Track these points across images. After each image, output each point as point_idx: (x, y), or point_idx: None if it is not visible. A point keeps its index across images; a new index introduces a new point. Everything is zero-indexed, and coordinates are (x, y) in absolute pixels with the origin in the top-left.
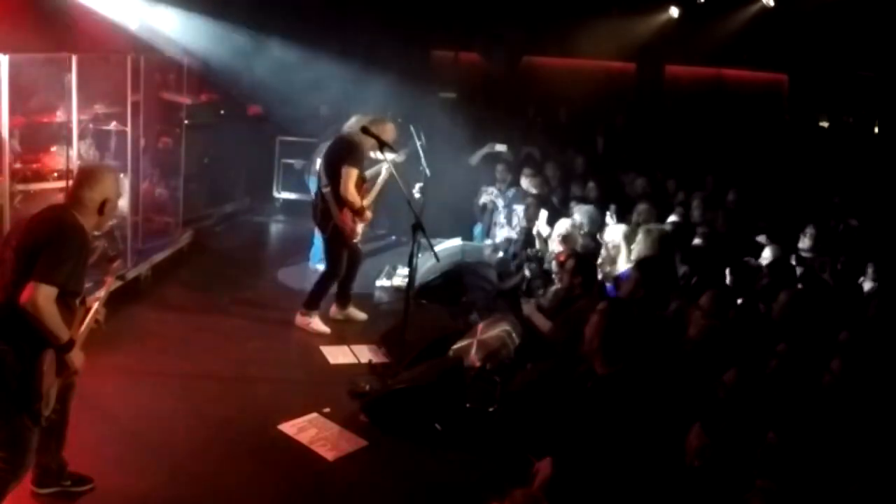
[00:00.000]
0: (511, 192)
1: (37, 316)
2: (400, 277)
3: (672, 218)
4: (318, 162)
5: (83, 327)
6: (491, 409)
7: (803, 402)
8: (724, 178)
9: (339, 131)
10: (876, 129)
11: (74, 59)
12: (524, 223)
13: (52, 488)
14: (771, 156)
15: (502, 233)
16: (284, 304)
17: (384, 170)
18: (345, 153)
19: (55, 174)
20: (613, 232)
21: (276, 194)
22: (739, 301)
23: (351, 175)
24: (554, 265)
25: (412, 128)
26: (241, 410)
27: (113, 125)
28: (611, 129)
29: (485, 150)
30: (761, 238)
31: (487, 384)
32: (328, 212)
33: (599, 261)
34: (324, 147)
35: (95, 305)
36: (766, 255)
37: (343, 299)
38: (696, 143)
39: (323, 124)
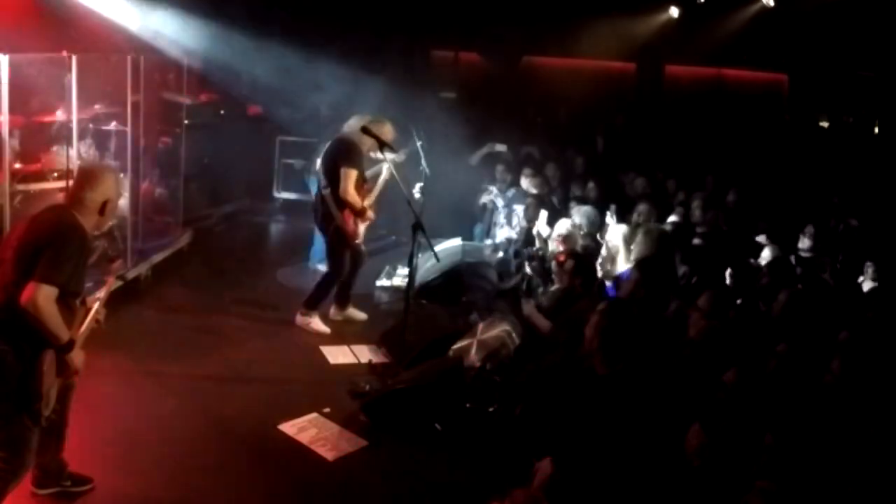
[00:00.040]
0: (511, 192)
1: (37, 316)
2: (400, 277)
3: (672, 218)
4: (318, 162)
5: (83, 327)
6: (491, 409)
7: (803, 402)
8: (724, 178)
9: (339, 132)
10: (876, 129)
11: (74, 59)
12: (524, 223)
13: (52, 488)
14: (771, 156)
15: (502, 233)
16: (284, 304)
17: (385, 170)
18: (343, 154)
19: (55, 174)
20: (614, 232)
21: (276, 194)
22: (739, 301)
23: (350, 176)
24: (554, 265)
25: (412, 128)
26: (241, 410)
27: (113, 125)
28: (611, 129)
29: (485, 149)
30: (761, 238)
31: (487, 384)
32: (329, 214)
33: (599, 259)
34: (324, 147)
35: (96, 306)
36: (766, 255)
37: (343, 300)
38: (696, 143)
39: (323, 124)
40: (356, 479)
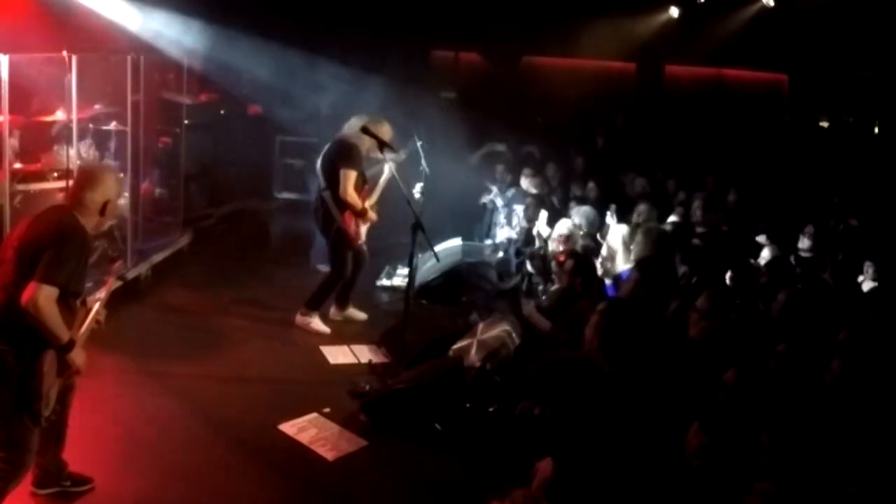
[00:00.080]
0: (511, 192)
1: (38, 316)
2: (400, 277)
3: (672, 218)
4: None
5: (84, 328)
6: (491, 409)
7: (803, 402)
8: (724, 178)
9: (339, 132)
10: (876, 129)
11: (74, 59)
12: (524, 223)
13: (52, 489)
14: (771, 156)
15: (502, 233)
16: (284, 304)
17: (386, 170)
18: (342, 156)
19: (55, 174)
20: (614, 232)
21: (276, 194)
22: (738, 301)
23: (349, 177)
24: (554, 265)
25: (412, 128)
26: (241, 410)
27: (113, 125)
28: (611, 129)
29: (484, 149)
30: (761, 238)
31: (487, 384)
32: (330, 216)
33: (599, 258)
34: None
35: (96, 306)
36: (765, 255)
37: (343, 300)
38: (696, 143)
39: (323, 124)
40: (356, 479)
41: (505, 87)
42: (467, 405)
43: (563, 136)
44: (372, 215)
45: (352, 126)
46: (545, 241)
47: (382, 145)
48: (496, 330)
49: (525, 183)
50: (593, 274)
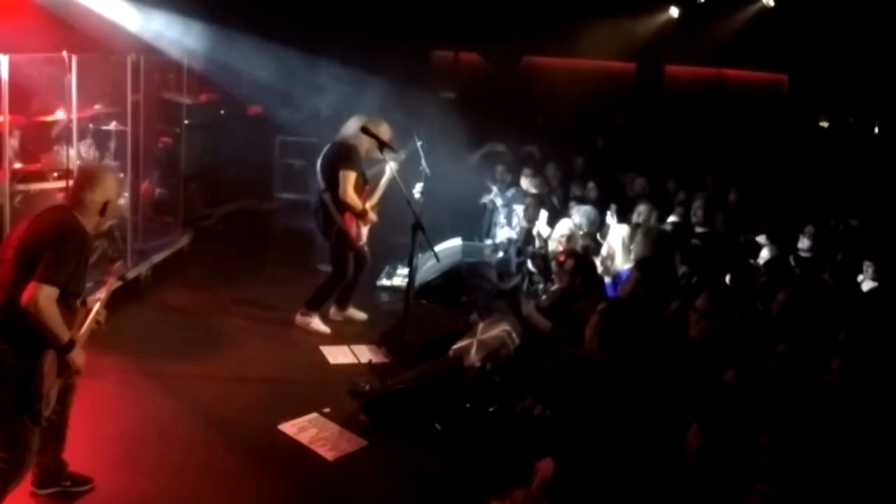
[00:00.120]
0: (511, 192)
1: (38, 316)
2: (400, 277)
3: (672, 218)
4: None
5: (84, 328)
6: (491, 409)
7: (803, 403)
8: (724, 178)
9: (338, 132)
10: (876, 129)
11: (74, 59)
12: (524, 223)
13: (52, 489)
14: (771, 156)
15: (502, 233)
16: (284, 304)
17: (387, 170)
18: (341, 157)
19: (55, 174)
20: (614, 232)
21: (276, 194)
22: (738, 301)
23: (349, 178)
24: (554, 265)
25: (412, 128)
26: (241, 410)
27: (113, 125)
28: (611, 129)
29: (484, 149)
30: (761, 238)
31: (487, 384)
32: (330, 217)
33: (599, 257)
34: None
35: (96, 306)
36: (765, 255)
37: (343, 301)
38: (696, 143)
39: (323, 125)
40: (356, 479)
41: (505, 88)
42: (467, 405)
43: (563, 136)
44: (372, 216)
45: (350, 127)
46: (545, 241)
47: (382, 145)
48: (496, 330)
49: (525, 183)
50: (593, 274)
